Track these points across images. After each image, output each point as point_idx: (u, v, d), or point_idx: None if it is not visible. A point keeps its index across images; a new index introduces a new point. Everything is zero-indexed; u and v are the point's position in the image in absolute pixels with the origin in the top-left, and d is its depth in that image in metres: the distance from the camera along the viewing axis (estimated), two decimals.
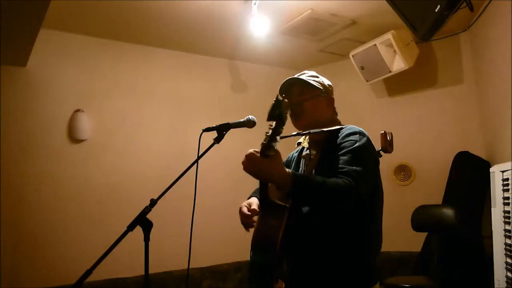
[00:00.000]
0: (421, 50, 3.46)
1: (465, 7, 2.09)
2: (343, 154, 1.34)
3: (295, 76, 1.57)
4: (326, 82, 1.59)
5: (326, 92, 1.56)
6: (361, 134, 1.41)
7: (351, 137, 1.39)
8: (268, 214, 1.31)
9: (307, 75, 1.58)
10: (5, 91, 2.96)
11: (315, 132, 1.46)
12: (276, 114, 1.14)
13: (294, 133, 1.49)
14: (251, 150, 1.21)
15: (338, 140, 1.41)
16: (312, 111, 1.51)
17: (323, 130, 1.46)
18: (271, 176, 1.20)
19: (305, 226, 1.38)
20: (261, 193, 1.31)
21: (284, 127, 1.18)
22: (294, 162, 1.65)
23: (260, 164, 1.18)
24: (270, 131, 1.16)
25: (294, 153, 1.71)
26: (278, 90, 1.57)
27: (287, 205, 1.29)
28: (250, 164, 1.19)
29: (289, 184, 1.19)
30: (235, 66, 4.06)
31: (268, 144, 1.16)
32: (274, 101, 1.15)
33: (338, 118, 1.60)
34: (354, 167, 1.28)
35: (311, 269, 1.38)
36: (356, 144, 1.36)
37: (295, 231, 1.35)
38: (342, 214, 1.35)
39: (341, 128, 1.47)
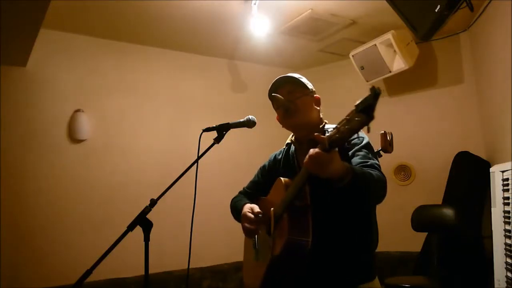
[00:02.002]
0: (421, 50, 3.46)
1: (465, 7, 2.10)
2: (359, 150, 1.40)
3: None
4: (310, 83, 1.61)
5: (313, 92, 1.58)
6: (362, 131, 1.47)
7: (358, 135, 1.43)
8: (296, 216, 1.30)
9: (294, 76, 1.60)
10: (5, 91, 2.96)
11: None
12: (373, 105, 0.95)
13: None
14: (316, 150, 1.14)
15: None
16: (304, 109, 1.52)
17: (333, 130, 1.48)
18: (337, 170, 1.16)
19: (316, 226, 1.39)
20: (293, 195, 1.31)
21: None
22: (282, 163, 1.64)
23: (328, 160, 1.13)
24: (356, 123, 0.99)
25: (278, 154, 1.70)
26: (269, 88, 1.58)
27: (309, 204, 1.29)
28: (319, 163, 1.13)
29: (350, 176, 1.17)
30: (235, 66, 4.06)
31: (347, 138, 1.05)
32: (373, 91, 0.94)
33: (322, 117, 1.60)
34: (374, 161, 1.36)
35: (319, 266, 1.40)
36: (365, 141, 1.43)
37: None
38: (366, 207, 1.43)
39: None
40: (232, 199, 1.77)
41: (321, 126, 1.53)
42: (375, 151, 1.95)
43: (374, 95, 0.94)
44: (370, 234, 1.46)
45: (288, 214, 1.32)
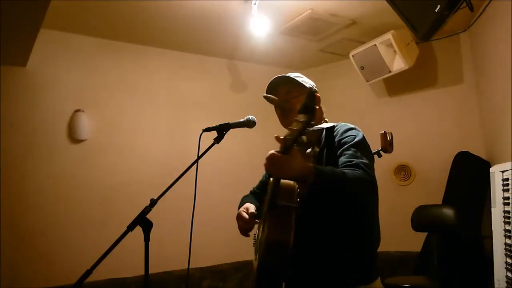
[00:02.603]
0: (421, 50, 3.46)
1: (465, 7, 2.09)
2: (347, 149, 1.35)
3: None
4: (310, 81, 1.60)
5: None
6: (356, 129, 1.44)
7: (350, 133, 1.41)
8: (276, 216, 1.30)
9: (291, 76, 1.59)
10: (5, 91, 2.96)
11: (315, 130, 1.45)
12: (310, 106, 1.06)
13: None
14: (271, 151, 1.17)
15: (336, 137, 1.43)
16: None
17: (323, 128, 1.46)
18: (295, 171, 1.16)
19: (310, 226, 1.38)
20: (272, 195, 1.28)
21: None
22: None
23: (283, 161, 1.14)
24: (301, 124, 1.08)
25: None
26: (266, 88, 1.57)
27: (294, 205, 1.28)
28: (274, 164, 1.15)
29: (313, 176, 1.16)
30: (235, 66, 4.06)
31: (296, 139, 1.10)
32: (308, 93, 1.08)
33: (324, 116, 1.59)
34: (361, 160, 1.30)
35: (314, 267, 1.38)
36: (356, 139, 1.38)
37: (300, 231, 1.35)
38: (359, 207, 1.38)
39: (334, 126, 1.48)
40: (241, 198, 1.77)
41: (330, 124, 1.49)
42: (376, 150, 1.94)
43: (309, 94, 1.07)
44: (366, 235, 1.41)
45: (270, 214, 1.32)
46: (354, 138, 1.39)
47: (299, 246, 1.37)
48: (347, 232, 1.39)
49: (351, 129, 1.44)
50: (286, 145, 1.12)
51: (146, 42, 3.53)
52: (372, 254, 1.43)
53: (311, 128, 1.44)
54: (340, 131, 1.44)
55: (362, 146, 1.37)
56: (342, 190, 1.23)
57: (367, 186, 1.26)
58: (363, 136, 1.42)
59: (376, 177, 1.44)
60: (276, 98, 1.54)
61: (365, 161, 1.30)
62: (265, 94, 1.56)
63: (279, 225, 1.26)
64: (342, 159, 1.33)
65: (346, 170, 1.25)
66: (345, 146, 1.36)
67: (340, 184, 1.21)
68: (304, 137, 1.12)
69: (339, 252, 1.38)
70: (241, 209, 1.56)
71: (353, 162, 1.29)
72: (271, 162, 1.15)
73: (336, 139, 1.42)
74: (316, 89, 1.61)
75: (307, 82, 1.59)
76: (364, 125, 1.52)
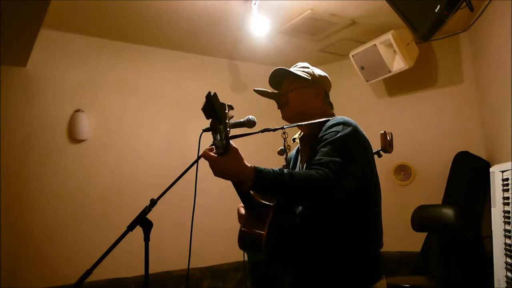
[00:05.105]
0: (421, 50, 3.46)
1: (465, 7, 2.09)
2: (324, 146, 1.29)
3: (285, 68, 1.55)
4: (318, 72, 1.57)
5: (315, 83, 1.53)
6: (345, 124, 1.36)
7: (334, 128, 1.35)
8: (252, 213, 1.30)
9: (297, 67, 1.59)
10: (5, 91, 2.95)
11: (289, 127, 1.45)
12: (209, 110, 1.08)
13: (260, 130, 1.41)
14: (206, 149, 1.16)
15: (321, 132, 1.38)
16: (297, 102, 1.49)
17: (300, 124, 1.45)
18: (232, 173, 1.15)
19: (298, 225, 1.37)
20: (238, 192, 1.28)
21: (226, 122, 1.11)
22: (292, 161, 1.65)
23: (218, 163, 1.13)
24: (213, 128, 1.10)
25: (294, 151, 1.70)
26: (269, 81, 1.58)
27: (271, 204, 1.28)
28: (210, 164, 1.14)
29: (252, 180, 1.14)
30: (235, 66, 4.06)
31: (214, 144, 1.12)
32: (206, 97, 1.08)
33: (331, 110, 1.57)
34: (333, 158, 1.23)
35: (310, 271, 1.36)
36: (338, 135, 1.31)
37: (289, 230, 1.34)
38: (324, 206, 1.33)
39: (327, 121, 1.42)
40: None
41: (324, 118, 1.45)
42: (375, 150, 1.93)
43: (207, 99, 1.09)
44: (357, 235, 1.34)
45: (246, 208, 1.33)
46: (336, 134, 1.31)
47: (294, 249, 1.37)
48: (336, 234, 1.34)
49: (338, 124, 1.36)
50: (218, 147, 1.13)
51: (146, 42, 3.53)
52: (361, 255, 1.35)
53: (303, 123, 1.44)
54: (326, 126, 1.38)
55: (342, 143, 1.29)
56: (290, 192, 1.19)
57: (323, 186, 1.18)
58: (350, 132, 1.33)
59: None
60: (270, 91, 1.54)
61: (337, 159, 1.22)
62: (256, 88, 1.54)
63: (252, 222, 1.27)
64: (316, 157, 1.28)
65: (301, 171, 1.22)
66: (323, 143, 1.31)
67: (285, 186, 1.16)
68: (217, 141, 1.11)
69: (330, 254, 1.33)
70: (241, 204, 1.56)
71: (322, 161, 1.23)
72: (209, 164, 1.14)
73: (320, 135, 1.37)
74: (324, 79, 1.57)
75: (312, 72, 1.55)
76: (364, 125, 1.51)
